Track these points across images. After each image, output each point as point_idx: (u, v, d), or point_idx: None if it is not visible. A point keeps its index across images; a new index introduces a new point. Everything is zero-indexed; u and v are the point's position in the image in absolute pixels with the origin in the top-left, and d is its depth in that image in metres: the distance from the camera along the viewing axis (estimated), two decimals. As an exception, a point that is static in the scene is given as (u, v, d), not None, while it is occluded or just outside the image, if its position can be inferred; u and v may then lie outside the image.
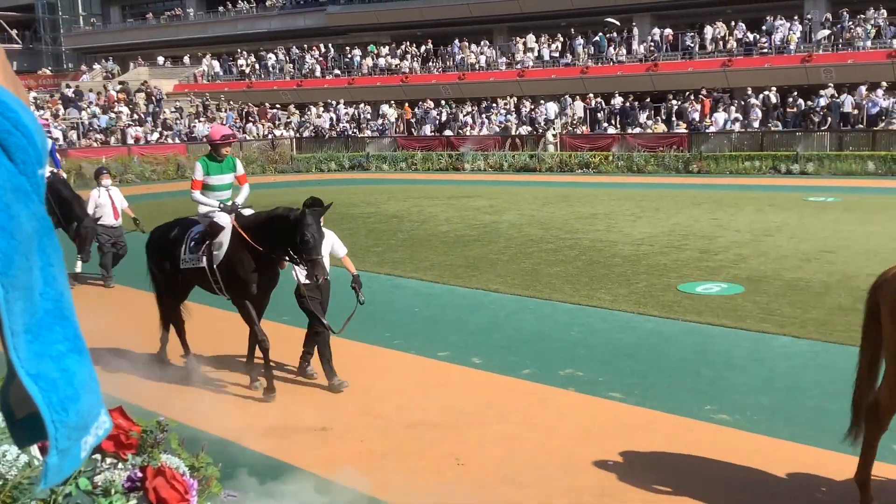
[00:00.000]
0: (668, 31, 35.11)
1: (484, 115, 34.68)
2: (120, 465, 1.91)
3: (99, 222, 11.91)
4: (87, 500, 1.69)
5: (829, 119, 28.17)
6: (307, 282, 7.13)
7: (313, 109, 38.29)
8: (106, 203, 12.24)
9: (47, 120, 17.97)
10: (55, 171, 11.21)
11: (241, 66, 44.34)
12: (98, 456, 1.87)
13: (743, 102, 30.32)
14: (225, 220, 7.39)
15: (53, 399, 0.82)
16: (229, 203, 7.66)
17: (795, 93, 29.85)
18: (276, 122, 37.99)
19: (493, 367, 7.69)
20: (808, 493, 4.97)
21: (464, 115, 35.04)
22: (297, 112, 38.76)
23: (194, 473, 2.16)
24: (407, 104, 36.99)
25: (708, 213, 17.72)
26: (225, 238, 7.31)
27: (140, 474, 1.82)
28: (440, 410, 6.59)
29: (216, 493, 2.21)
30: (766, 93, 29.94)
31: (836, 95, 28.45)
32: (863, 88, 28.18)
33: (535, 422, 6.29)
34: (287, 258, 7.11)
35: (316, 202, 6.90)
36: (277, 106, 39.66)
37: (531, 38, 37.99)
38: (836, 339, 8.09)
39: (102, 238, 11.97)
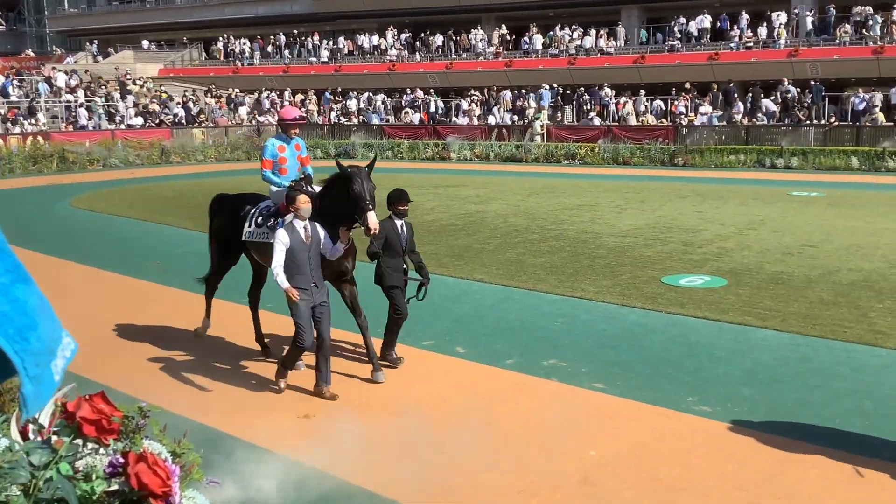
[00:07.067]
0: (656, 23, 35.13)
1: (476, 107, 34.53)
2: (101, 451, 1.90)
3: None
4: (68, 485, 1.68)
5: (812, 108, 28.18)
6: None
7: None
8: None
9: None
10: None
11: (230, 50, 44.13)
12: (79, 441, 1.87)
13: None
14: None
15: (10, 330, 0.81)
16: None
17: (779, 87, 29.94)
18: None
19: (477, 357, 7.71)
20: (788, 484, 5.02)
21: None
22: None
23: (176, 460, 2.16)
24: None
25: (692, 206, 17.79)
26: None
27: (122, 460, 1.82)
28: (423, 399, 6.60)
29: (198, 480, 2.21)
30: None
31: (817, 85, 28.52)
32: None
33: (518, 411, 6.32)
34: None
35: None
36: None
37: (519, 27, 37.90)
38: (818, 333, 8.16)
39: None
